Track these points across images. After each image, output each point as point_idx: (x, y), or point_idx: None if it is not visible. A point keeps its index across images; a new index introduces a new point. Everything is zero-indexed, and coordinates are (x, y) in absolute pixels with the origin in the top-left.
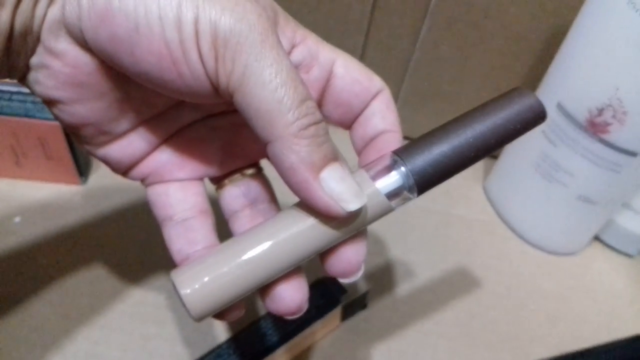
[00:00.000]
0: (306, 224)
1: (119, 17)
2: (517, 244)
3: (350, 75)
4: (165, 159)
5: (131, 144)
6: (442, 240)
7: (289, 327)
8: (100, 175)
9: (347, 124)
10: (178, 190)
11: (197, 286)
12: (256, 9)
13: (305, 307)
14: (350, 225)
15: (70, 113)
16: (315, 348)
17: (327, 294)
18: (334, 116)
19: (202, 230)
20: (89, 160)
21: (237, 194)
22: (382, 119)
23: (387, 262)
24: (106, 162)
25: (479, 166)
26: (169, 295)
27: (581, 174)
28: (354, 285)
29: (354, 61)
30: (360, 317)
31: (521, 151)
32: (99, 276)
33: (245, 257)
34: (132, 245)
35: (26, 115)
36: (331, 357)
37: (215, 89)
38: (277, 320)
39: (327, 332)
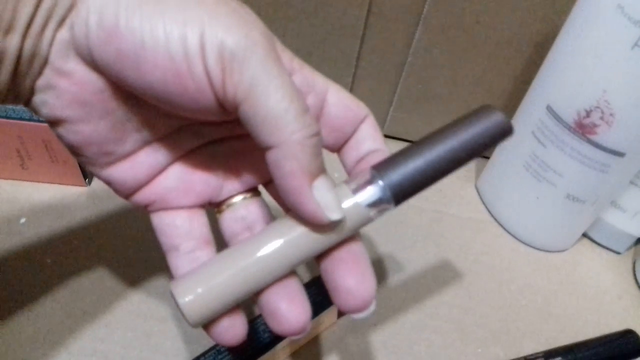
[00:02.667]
0: (292, 232)
1: (125, 34)
2: (508, 241)
3: (342, 102)
4: (169, 184)
5: (134, 166)
6: (435, 238)
7: None
8: None
9: (338, 147)
10: (185, 221)
11: (192, 296)
12: (259, 27)
13: (309, 326)
14: (333, 232)
15: (74, 132)
16: (312, 344)
17: (324, 292)
18: (328, 140)
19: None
20: None
21: (236, 217)
22: (373, 140)
23: (380, 260)
24: (110, 183)
25: (471, 166)
26: (170, 293)
27: (569, 173)
28: None
29: (343, 90)
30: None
31: (512, 151)
32: (103, 275)
33: (238, 265)
34: (135, 246)
35: (31, 119)
36: (328, 353)
37: (219, 102)
38: None
39: (324, 329)
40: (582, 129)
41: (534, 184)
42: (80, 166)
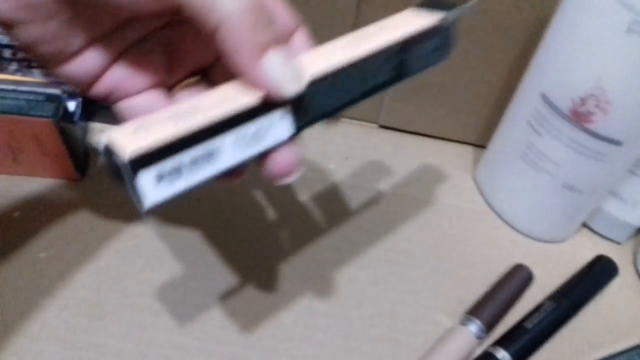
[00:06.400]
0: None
1: None
2: (506, 232)
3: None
4: (121, 74)
5: (85, 61)
6: (432, 229)
7: None
8: (98, 171)
9: None
10: (144, 99)
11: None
12: None
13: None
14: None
15: (27, 33)
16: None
17: None
18: None
19: None
20: (86, 156)
21: (186, 95)
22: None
23: (377, 251)
24: (67, 80)
25: (468, 156)
26: (165, 286)
27: (566, 163)
28: None
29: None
30: (353, 303)
31: (508, 141)
32: (97, 269)
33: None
34: (128, 238)
35: (19, 113)
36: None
37: None
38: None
39: None
40: (578, 117)
41: (531, 173)
42: (72, 160)
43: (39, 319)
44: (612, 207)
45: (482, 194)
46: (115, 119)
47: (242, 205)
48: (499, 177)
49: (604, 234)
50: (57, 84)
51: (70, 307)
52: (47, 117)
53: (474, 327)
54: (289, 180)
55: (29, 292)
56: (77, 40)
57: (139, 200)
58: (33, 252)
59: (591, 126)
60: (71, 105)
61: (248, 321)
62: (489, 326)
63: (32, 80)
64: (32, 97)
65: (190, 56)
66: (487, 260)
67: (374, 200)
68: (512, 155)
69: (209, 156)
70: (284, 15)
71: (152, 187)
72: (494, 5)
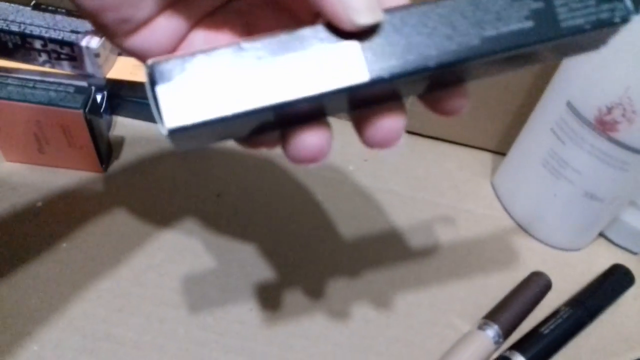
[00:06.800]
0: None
1: None
2: (523, 238)
3: None
4: (196, 48)
5: (155, 32)
6: (450, 234)
7: None
8: (121, 163)
9: None
10: None
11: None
12: None
13: (328, 151)
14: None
15: None
16: None
17: None
18: None
19: None
20: (110, 149)
21: None
22: None
23: (395, 253)
24: (134, 54)
25: (487, 162)
26: (185, 280)
27: (588, 171)
28: None
29: None
30: (370, 304)
31: (530, 148)
32: (118, 260)
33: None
34: (150, 232)
35: (49, 104)
36: None
37: None
38: None
39: None
40: (603, 126)
41: (552, 181)
42: (97, 152)
43: (59, 308)
44: (630, 217)
45: (500, 200)
46: (138, 113)
47: (260, 203)
48: (519, 184)
49: (620, 243)
50: (84, 76)
51: (90, 297)
52: (77, 108)
53: (491, 331)
54: (391, 146)
55: (50, 281)
56: (146, 7)
57: (159, 118)
58: (55, 242)
59: (616, 135)
60: (98, 97)
61: (266, 317)
62: (507, 332)
63: (61, 72)
64: (61, 88)
65: (269, 25)
66: (503, 266)
67: (392, 203)
68: (533, 162)
69: None
70: None
71: (174, 105)
72: None
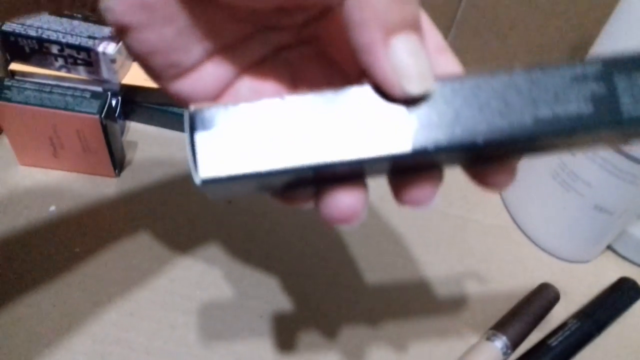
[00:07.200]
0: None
1: None
2: (531, 250)
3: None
4: (242, 94)
5: (202, 78)
6: (458, 244)
7: None
8: (134, 168)
9: None
10: None
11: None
12: None
13: (363, 215)
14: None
15: (140, 40)
16: None
17: None
18: None
19: None
20: (123, 154)
21: None
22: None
23: (404, 263)
24: (180, 98)
25: None
26: (197, 286)
27: (599, 184)
28: None
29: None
30: (378, 312)
31: (540, 160)
32: (130, 265)
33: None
34: (162, 238)
35: (66, 108)
36: None
37: None
38: None
39: None
40: None
41: (562, 193)
42: (111, 157)
43: (70, 312)
44: (638, 231)
45: (509, 211)
46: (150, 118)
47: (270, 217)
48: (528, 195)
49: (628, 256)
50: (99, 81)
51: (101, 302)
52: (93, 113)
53: (499, 342)
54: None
55: (62, 285)
56: (195, 52)
57: (194, 167)
58: (68, 246)
59: (627, 148)
60: (113, 102)
61: (276, 325)
62: (515, 343)
63: (77, 77)
64: (77, 93)
65: (316, 79)
66: (511, 277)
67: (400, 213)
68: (543, 174)
69: None
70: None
71: (211, 155)
72: (536, 26)
